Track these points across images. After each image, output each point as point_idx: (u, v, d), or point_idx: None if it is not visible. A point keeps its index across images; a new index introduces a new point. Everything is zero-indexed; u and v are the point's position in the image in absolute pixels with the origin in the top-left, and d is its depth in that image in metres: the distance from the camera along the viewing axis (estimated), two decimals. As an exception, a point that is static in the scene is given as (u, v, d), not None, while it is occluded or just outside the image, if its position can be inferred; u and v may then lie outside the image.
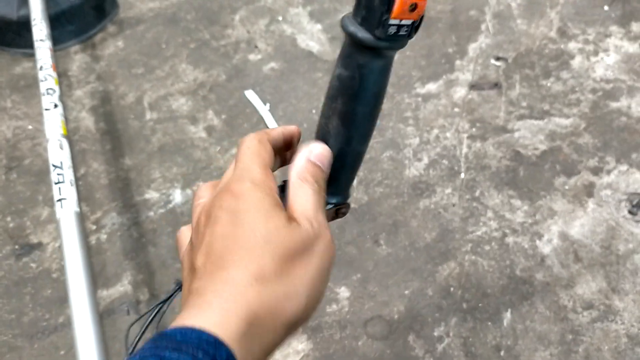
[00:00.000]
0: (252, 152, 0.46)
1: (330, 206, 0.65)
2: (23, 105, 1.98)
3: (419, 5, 0.48)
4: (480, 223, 1.51)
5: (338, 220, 0.62)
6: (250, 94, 1.93)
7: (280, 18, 2.24)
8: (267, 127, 1.75)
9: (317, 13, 2.24)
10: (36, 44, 1.80)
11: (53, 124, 1.50)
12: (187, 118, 1.89)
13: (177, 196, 1.66)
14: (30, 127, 1.90)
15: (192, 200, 0.50)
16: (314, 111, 1.85)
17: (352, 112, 0.59)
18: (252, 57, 2.09)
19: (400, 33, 0.49)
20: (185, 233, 0.51)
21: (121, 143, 1.83)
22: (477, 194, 1.58)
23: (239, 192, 0.43)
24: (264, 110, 1.87)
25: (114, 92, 2.00)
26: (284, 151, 0.54)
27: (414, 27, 0.50)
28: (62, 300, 1.44)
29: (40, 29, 1.86)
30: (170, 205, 1.64)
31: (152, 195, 1.67)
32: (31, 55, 2.01)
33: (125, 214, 1.62)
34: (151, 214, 1.62)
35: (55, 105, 1.56)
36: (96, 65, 2.11)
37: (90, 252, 1.52)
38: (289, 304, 0.39)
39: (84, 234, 1.27)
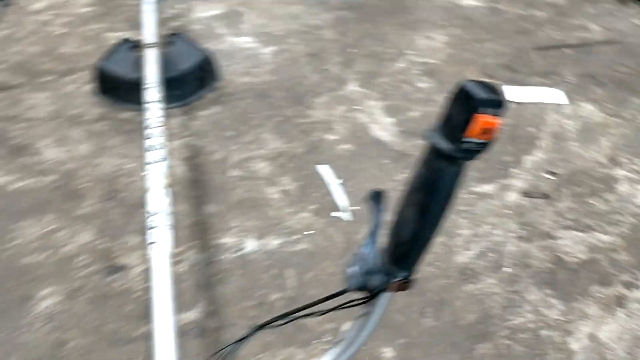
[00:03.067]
0: None
1: (398, 279, 0.86)
2: (124, 146, 2.27)
3: (490, 130, 0.67)
4: (518, 313, 1.66)
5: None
6: (323, 169, 2.17)
7: (356, 107, 2.51)
8: (335, 200, 1.97)
9: (390, 108, 2.51)
10: (147, 105, 2.10)
11: (155, 176, 1.76)
12: (265, 180, 2.13)
13: (250, 245, 1.87)
14: (128, 166, 2.17)
15: None
16: (378, 192, 2.07)
17: (428, 205, 0.79)
18: (328, 137, 2.34)
19: (473, 149, 0.68)
20: None
21: (206, 192, 2.07)
22: (518, 287, 1.74)
23: None
24: (334, 184, 2.09)
25: (205, 149, 2.27)
26: None
27: (485, 146, 0.69)
28: (139, 317, 1.64)
29: (153, 93, 2.17)
30: (243, 252, 1.84)
31: (227, 240, 1.88)
32: (136, 110, 2.33)
33: (203, 253, 1.84)
34: (225, 256, 1.83)
35: (158, 160, 1.82)
36: (192, 123, 2.40)
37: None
38: None
39: (171, 270, 1.49)
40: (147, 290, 1.72)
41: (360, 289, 0.94)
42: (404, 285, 0.92)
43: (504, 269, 1.80)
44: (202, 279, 1.75)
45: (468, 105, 0.64)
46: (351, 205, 2.01)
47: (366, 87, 2.64)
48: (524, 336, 1.60)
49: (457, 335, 1.61)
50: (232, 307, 1.68)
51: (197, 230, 1.92)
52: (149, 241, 1.50)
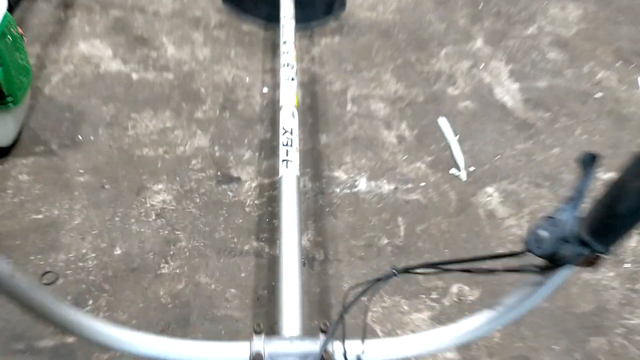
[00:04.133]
0: None
1: (592, 252, 0.79)
2: (244, 58, 2.21)
3: None
4: (636, 313, 1.58)
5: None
6: (443, 122, 2.07)
7: (482, 66, 2.38)
8: (453, 155, 1.89)
9: (517, 73, 2.37)
10: (282, 20, 2.02)
11: (288, 94, 1.69)
12: (382, 122, 2.05)
13: (362, 184, 1.81)
14: (247, 79, 2.12)
15: None
16: (497, 157, 1.97)
17: None
18: (450, 90, 2.23)
19: None
20: None
21: (321, 122, 2.00)
22: (637, 286, 1.64)
23: None
24: (452, 139, 2.00)
25: (323, 78, 2.19)
26: None
27: None
28: (249, 231, 1.61)
29: (288, 7, 2.08)
30: (355, 189, 1.79)
31: (340, 175, 1.83)
32: (258, 24, 2.27)
33: (315, 182, 1.79)
34: (337, 190, 1.78)
35: (292, 79, 1.75)
36: (312, 49, 2.32)
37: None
38: None
39: (300, 193, 1.44)
40: (258, 207, 1.69)
41: (548, 255, 0.87)
42: (593, 261, 0.84)
43: (625, 265, 1.70)
44: (313, 208, 1.71)
45: None
46: (467, 166, 1.92)
47: (493, 47, 2.50)
48: (640, 338, 1.52)
49: (570, 322, 1.54)
50: (339, 242, 1.64)
51: (310, 158, 1.87)
52: (282, 159, 1.44)
